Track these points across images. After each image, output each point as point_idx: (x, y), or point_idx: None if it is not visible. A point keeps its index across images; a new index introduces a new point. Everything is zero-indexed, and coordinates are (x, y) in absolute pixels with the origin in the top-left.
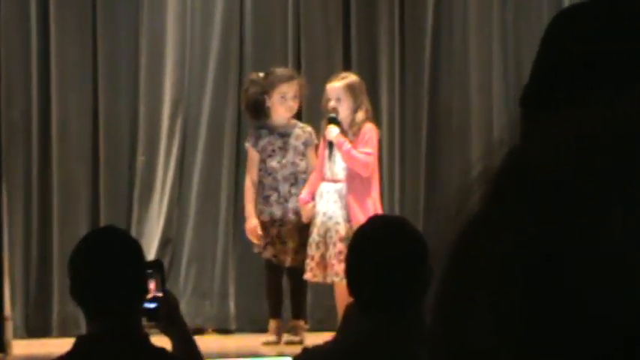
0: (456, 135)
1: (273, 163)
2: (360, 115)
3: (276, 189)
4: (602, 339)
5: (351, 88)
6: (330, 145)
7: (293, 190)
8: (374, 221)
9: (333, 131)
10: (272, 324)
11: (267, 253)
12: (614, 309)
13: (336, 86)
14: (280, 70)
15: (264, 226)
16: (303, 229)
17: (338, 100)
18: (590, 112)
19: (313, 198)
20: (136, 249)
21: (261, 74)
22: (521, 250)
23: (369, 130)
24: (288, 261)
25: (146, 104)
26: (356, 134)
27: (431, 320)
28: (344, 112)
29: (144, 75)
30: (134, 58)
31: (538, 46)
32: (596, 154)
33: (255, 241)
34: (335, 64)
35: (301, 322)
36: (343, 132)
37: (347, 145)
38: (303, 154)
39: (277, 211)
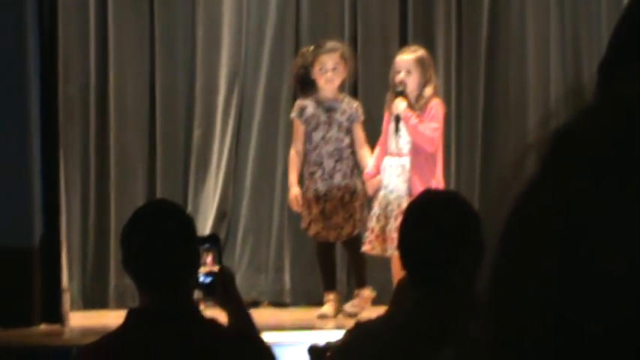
0: (512, 109)
1: (317, 137)
2: (429, 90)
3: (320, 165)
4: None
5: (421, 62)
6: (397, 118)
7: (338, 166)
8: (426, 195)
9: (400, 105)
10: (326, 297)
11: (312, 231)
12: None
13: (407, 59)
14: (325, 42)
15: (308, 203)
16: (347, 203)
17: (408, 72)
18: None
19: (379, 172)
20: (188, 222)
21: (311, 47)
22: (564, 225)
23: (436, 105)
24: (332, 236)
25: (203, 78)
26: (423, 109)
27: (482, 290)
28: (412, 86)
29: (200, 49)
30: (191, 32)
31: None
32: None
33: (295, 208)
34: (391, 37)
35: (366, 291)
36: (410, 106)
37: (414, 120)
38: (348, 130)
39: (322, 188)
